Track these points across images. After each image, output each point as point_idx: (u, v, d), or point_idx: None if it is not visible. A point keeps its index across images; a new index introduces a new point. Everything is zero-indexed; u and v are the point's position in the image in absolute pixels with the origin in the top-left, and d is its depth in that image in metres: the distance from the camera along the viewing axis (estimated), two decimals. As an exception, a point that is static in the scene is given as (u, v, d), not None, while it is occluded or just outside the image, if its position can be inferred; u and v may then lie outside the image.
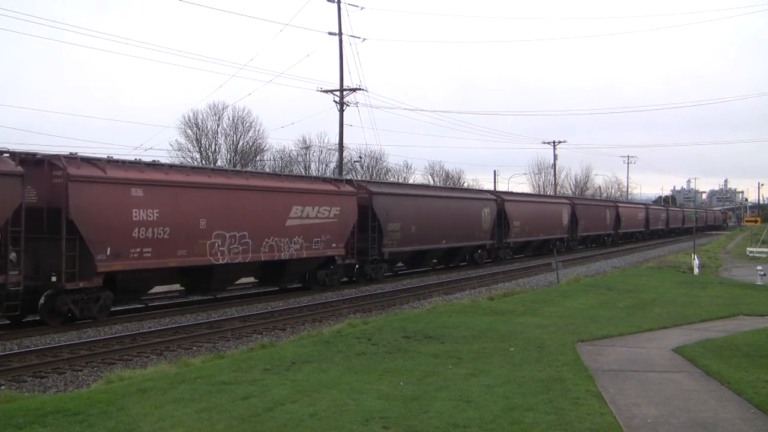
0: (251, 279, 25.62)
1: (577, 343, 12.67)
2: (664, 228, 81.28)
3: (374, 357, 11.39)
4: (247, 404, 8.45)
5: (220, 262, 20.39)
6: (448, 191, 39.39)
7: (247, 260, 21.34)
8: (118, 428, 7.53)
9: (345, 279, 27.53)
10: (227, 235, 20.51)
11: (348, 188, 26.80)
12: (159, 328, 17.15)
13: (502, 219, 39.05)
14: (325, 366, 10.67)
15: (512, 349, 12.05)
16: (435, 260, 35.06)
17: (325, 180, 27.27)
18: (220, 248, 20.29)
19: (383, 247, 27.97)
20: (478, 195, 39.07)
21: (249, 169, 52.37)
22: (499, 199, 39.63)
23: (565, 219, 48.62)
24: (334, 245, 25.19)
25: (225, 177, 21.46)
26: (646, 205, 79.26)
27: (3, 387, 11.61)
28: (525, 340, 12.89)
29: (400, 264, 33.08)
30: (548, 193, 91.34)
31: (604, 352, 12.04)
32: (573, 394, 8.95)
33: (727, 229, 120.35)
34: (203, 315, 19.66)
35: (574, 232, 51.16)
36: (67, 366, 13.20)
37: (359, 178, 62.76)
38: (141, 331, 16.73)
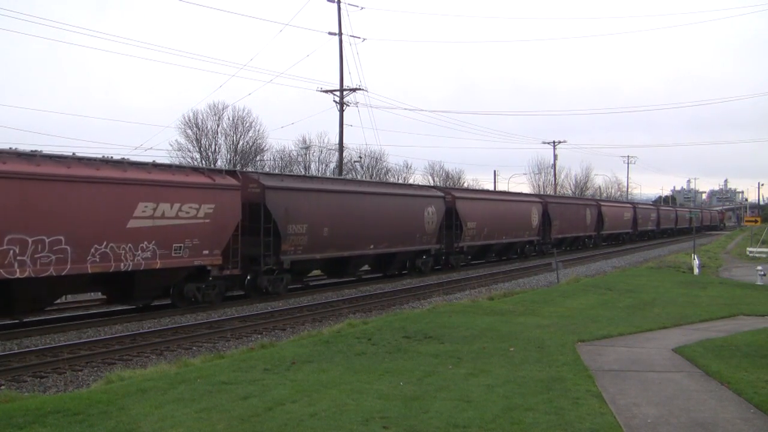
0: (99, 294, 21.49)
1: (577, 343, 12.67)
2: (654, 229, 76.08)
3: (374, 357, 11.39)
4: (247, 404, 8.44)
5: (19, 276, 15.48)
6: (378, 186, 33.33)
7: (63, 273, 16.32)
8: (118, 428, 7.53)
9: (233, 293, 23.09)
10: (30, 240, 15.70)
11: (227, 180, 21.00)
12: (159, 328, 17.15)
13: (453, 220, 33.77)
14: (325, 366, 10.67)
15: (512, 349, 12.04)
16: (366, 268, 30.59)
17: (194, 170, 21.23)
18: (18, 257, 15.48)
19: (282, 255, 22.69)
20: (419, 191, 32.61)
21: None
22: (449, 196, 34.04)
23: (536, 219, 43.41)
24: (205, 252, 19.85)
25: (27, 164, 16.07)
26: (633, 204, 73.04)
27: (3, 387, 11.61)
28: (525, 340, 12.89)
29: (317, 273, 28.93)
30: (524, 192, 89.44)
31: (604, 352, 12.04)
32: (573, 394, 8.95)
33: (725, 230, 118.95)
34: (203, 315, 19.66)
35: (547, 234, 45.79)
36: (67, 366, 13.20)
37: (359, 178, 62.80)
38: (141, 331, 16.73)
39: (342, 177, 34.84)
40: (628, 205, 71.45)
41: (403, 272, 31.67)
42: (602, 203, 60.42)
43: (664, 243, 67.08)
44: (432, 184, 44.97)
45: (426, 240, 31.40)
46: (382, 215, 28.13)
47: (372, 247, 27.56)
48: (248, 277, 22.82)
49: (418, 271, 31.56)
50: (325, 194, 25.46)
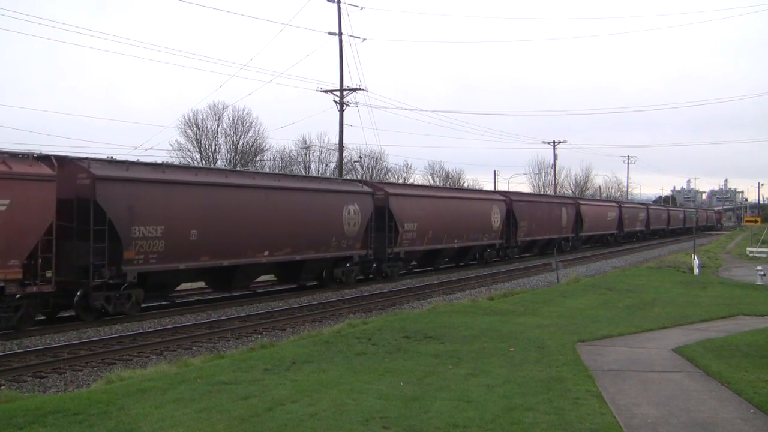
0: None
1: (577, 343, 12.67)
2: (643, 230, 70.42)
3: (374, 357, 11.39)
4: (247, 404, 8.44)
5: None
6: (276, 179, 24.98)
7: None
8: (118, 428, 7.53)
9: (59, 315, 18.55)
10: None
11: (34, 169, 16.20)
12: (159, 328, 17.14)
13: (387, 220, 28.46)
14: (325, 366, 10.67)
15: (512, 349, 12.05)
16: (269, 278, 27.13)
17: None
18: None
19: (125, 265, 17.80)
20: (337, 186, 27.42)
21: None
22: (380, 192, 28.73)
23: (497, 220, 38.30)
24: None
25: None
26: (619, 203, 66.65)
27: (3, 387, 11.61)
28: (525, 340, 12.89)
29: (200, 285, 24.52)
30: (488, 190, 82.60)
31: (604, 352, 12.04)
32: (573, 394, 8.95)
33: (723, 230, 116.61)
34: (203, 315, 19.65)
35: (512, 237, 40.73)
36: (67, 366, 13.20)
37: (359, 178, 62.77)
38: (141, 331, 16.73)
39: (223, 168, 24.58)
40: (613, 204, 65.50)
41: (315, 284, 26.50)
42: (581, 202, 54.74)
43: (653, 246, 62.40)
44: (359, 178, 36.70)
45: (347, 245, 25.94)
46: (282, 215, 22.84)
47: (267, 254, 22.21)
48: (78, 294, 17.53)
49: (339, 281, 26.47)
50: (192, 188, 19.86)
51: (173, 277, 20.42)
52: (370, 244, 27.71)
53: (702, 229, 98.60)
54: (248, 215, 21.50)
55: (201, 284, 24.53)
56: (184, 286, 23.87)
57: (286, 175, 31.58)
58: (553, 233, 46.44)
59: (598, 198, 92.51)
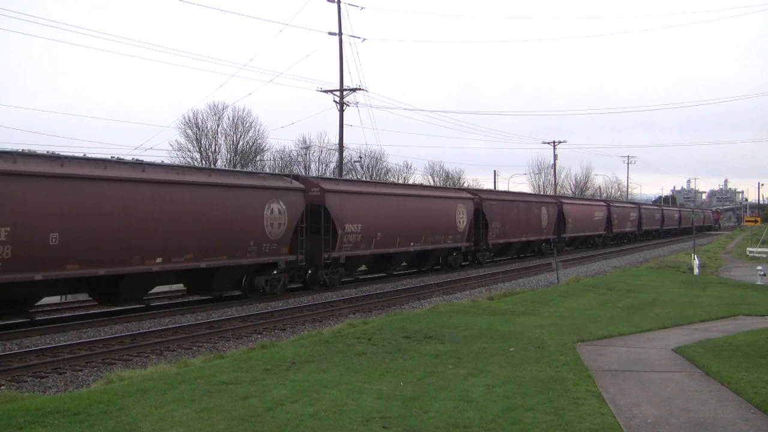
0: None
1: (577, 343, 12.66)
2: (635, 231, 66.96)
3: (374, 357, 11.38)
4: (247, 404, 8.44)
5: None
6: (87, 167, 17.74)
7: None
8: (118, 428, 7.53)
9: None
10: None
11: None
12: (159, 328, 17.15)
13: (322, 221, 24.84)
14: (325, 366, 10.67)
15: (512, 349, 12.04)
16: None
17: None
18: None
19: None
20: (239, 180, 22.23)
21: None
22: (314, 189, 24.97)
23: (463, 221, 34.13)
24: None
25: None
26: (608, 203, 62.69)
27: (3, 387, 11.61)
28: (525, 340, 12.89)
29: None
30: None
31: (604, 352, 12.04)
32: (573, 394, 8.95)
33: (721, 230, 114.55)
34: (203, 315, 19.65)
35: (482, 239, 36.98)
36: (67, 366, 13.20)
37: (359, 178, 62.70)
38: (141, 331, 16.73)
39: (104, 159, 18.69)
40: (601, 203, 61.80)
41: (238, 294, 23.06)
42: (564, 201, 50.68)
43: (645, 247, 59.79)
44: (289, 173, 30.33)
45: (269, 249, 22.22)
46: (181, 215, 19.27)
47: (160, 260, 18.74)
48: None
49: (262, 291, 22.91)
50: (55, 182, 16.47)
51: (26, 290, 16.55)
52: (300, 248, 23.79)
53: (698, 230, 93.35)
54: (134, 215, 18.07)
55: (179, 286, 23.42)
56: (159, 289, 22.68)
57: (188, 168, 25.50)
58: (531, 235, 42.80)
59: (584, 197, 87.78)
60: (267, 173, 24.90)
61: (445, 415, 8.00)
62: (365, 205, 27.24)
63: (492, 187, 79.69)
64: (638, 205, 73.10)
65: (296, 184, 24.33)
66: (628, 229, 64.85)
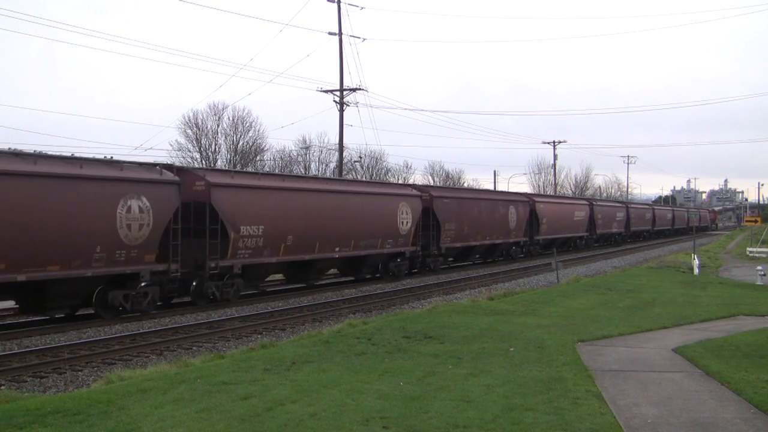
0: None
1: (577, 343, 12.67)
2: (621, 231, 62.65)
3: (374, 357, 11.38)
4: (247, 404, 8.44)
5: None
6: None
7: None
8: (118, 428, 7.53)
9: None
10: None
11: None
12: (159, 328, 17.15)
13: (207, 224, 20.31)
14: (325, 366, 10.67)
15: (512, 349, 12.04)
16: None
17: None
18: None
19: None
20: (130, 174, 18.17)
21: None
22: (199, 183, 20.42)
23: (408, 222, 29.43)
24: None
25: None
26: (590, 202, 56.84)
27: (3, 387, 11.61)
28: (525, 340, 12.89)
29: None
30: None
31: (604, 352, 12.04)
32: (573, 394, 8.95)
33: (718, 231, 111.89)
34: (203, 315, 19.65)
35: (433, 243, 32.01)
36: (67, 366, 13.20)
37: (359, 178, 62.71)
38: (141, 331, 16.73)
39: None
40: (582, 202, 55.29)
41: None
42: (537, 200, 45.11)
43: (635, 249, 56.05)
44: (161, 163, 20.64)
45: (126, 258, 17.95)
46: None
47: (57, 268, 16.39)
48: None
49: (126, 311, 18.67)
50: None
51: None
52: (173, 255, 19.43)
53: (691, 231, 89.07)
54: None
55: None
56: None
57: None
58: (496, 237, 38.01)
59: (563, 195, 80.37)
60: (126, 162, 18.86)
61: (445, 415, 8.00)
62: (269, 202, 22.38)
63: (492, 188, 79.29)
64: (626, 204, 68.42)
65: (167, 175, 19.45)
66: (614, 230, 60.27)
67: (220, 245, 20.55)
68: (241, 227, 21.10)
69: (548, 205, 46.23)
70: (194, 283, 20.91)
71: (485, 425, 7.63)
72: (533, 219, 42.96)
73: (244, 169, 44.83)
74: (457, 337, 13.26)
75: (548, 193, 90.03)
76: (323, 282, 28.00)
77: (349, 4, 40.09)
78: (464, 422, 7.71)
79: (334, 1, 38.75)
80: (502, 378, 9.86)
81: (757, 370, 10.34)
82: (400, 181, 67.07)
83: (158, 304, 19.92)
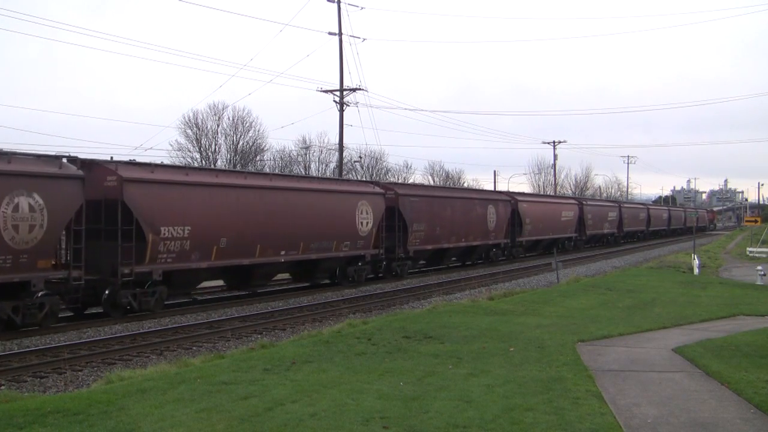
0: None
1: (577, 343, 12.67)
2: (614, 232, 60.28)
3: (374, 357, 11.39)
4: (247, 404, 8.44)
5: None
6: None
7: None
8: (118, 428, 7.53)
9: None
10: None
11: None
12: (159, 328, 17.15)
13: (83, 223, 17.35)
14: (325, 366, 10.67)
15: (512, 349, 12.05)
16: None
17: None
18: None
19: None
20: (22, 168, 16.03)
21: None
22: (111, 179, 18.35)
23: (367, 223, 27.22)
24: None
25: None
26: (580, 201, 54.48)
27: (3, 387, 11.61)
28: (525, 340, 12.89)
29: None
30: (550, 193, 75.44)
31: (604, 352, 12.04)
32: (573, 394, 8.95)
33: (716, 231, 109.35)
34: (203, 315, 19.65)
35: (398, 246, 29.72)
36: (67, 366, 13.19)
37: (359, 178, 62.73)
38: (141, 331, 16.73)
39: None
40: (572, 201, 52.22)
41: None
42: (520, 199, 42.65)
43: (634, 249, 55.08)
44: (63, 154, 18.04)
45: (12, 265, 15.64)
46: None
47: None
48: None
49: (16, 325, 16.39)
50: None
51: None
52: (74, 260, 17.17)
53: (687, 232, 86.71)
54: None
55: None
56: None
57: None
58: (473, 239, 35.62)
59: (549, 194, 76.54)
60: (19, 154, 16.63)
61: (445, 415, 8.00)
62: (197, 200, 20.07)
63: (492, 188, 78.97)
64: (618, 204, 65.87)
65: (70, 169, 17.33)
66: (605, 231, 57.97)
67: (135, 249, 18.28)
68: (162, 228, 18.83)
69: (532, 205, 44.05)
70: (106, 292, 18.58)
71: (485, 425, 7.63)
72: (515, 219, 40.95)
73: (176, 164, 38.34)
74: (457, 337, 13.27)
75: (548, 193, 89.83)
76: (269, 289, 25.62)
77: (349, 4, 40.17)
78: (464, 422, 7.71)
79: (334, 1, 38.78)
80: (502, 378, 9.86)
81: (757, 370, 10.34)
82: (400, 181, 66.95)
83: (65, 315, 18.30)
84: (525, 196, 45.84)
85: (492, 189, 63.69)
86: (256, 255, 21.96)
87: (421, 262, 33.65)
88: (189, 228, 19.53)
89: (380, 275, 29.43)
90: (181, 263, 19.54)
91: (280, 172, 41.70)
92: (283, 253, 23.08)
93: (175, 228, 19.22)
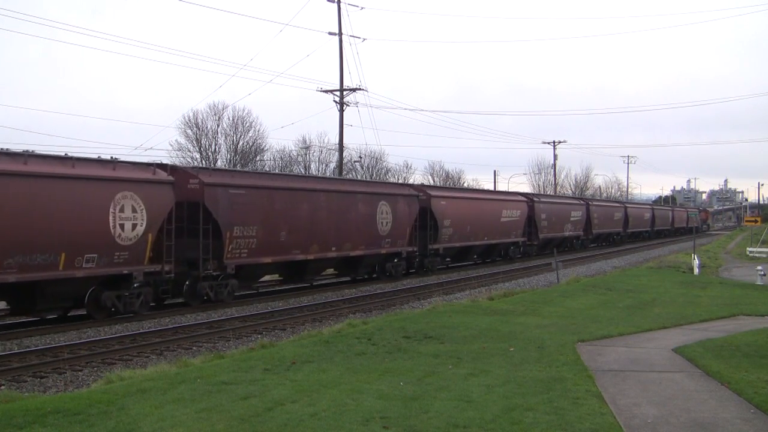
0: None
1: (577, 343, 12.66)
2: (580, 234, 53.65)
3: (374, 357, 11.38)
4: (247, 404, 8.44)
5: None
6: None
7: None
8: (118, 428, 7.53)
9: None
10: None
11: None
12: (159, 328, 17.15)
13: None
14: (325, 366, 10.67)
15: (512, 349, 12.04)
16: None
17: None
18: None
19: None
20: None
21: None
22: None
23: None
24: None
25: None
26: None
27: (3, 387, 11.61)
28: (525, 340, 12.89)
29: None
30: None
31: (604, 352, 12.04)
32: (573, 394, 8.95)
33: (710, 232, 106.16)
34: (203, 315, 19.64)
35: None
36: (67, 366, 13.20)
37: (359, 178, 62.73)
38: (141, 331, 16.73)
39: None
40: (520, 199, 43.40)
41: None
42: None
43: (635, 249, 54.43)
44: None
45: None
46: None
47: None
48: None
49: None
50: None
51: None
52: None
53: (681, 232, 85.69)
54: None
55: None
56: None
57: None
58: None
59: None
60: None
61: (445, 415, 8.00)
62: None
63: (492, 188, 79.10)
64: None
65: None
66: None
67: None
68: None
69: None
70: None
71: (485, 425, 7.63)
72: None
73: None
74: (457, 337, 13.26)
75: (548, 192, 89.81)
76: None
77: (349, 4, 40.20)
78: (464, 422, 7.71)
79: (334, 1, 38.77)
80: (502, 378, 9.86)
81: (757, 370, 10.34)
82: (400, 181, 67.03)
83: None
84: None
85: (504, 190, 63.71)
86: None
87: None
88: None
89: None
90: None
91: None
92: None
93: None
